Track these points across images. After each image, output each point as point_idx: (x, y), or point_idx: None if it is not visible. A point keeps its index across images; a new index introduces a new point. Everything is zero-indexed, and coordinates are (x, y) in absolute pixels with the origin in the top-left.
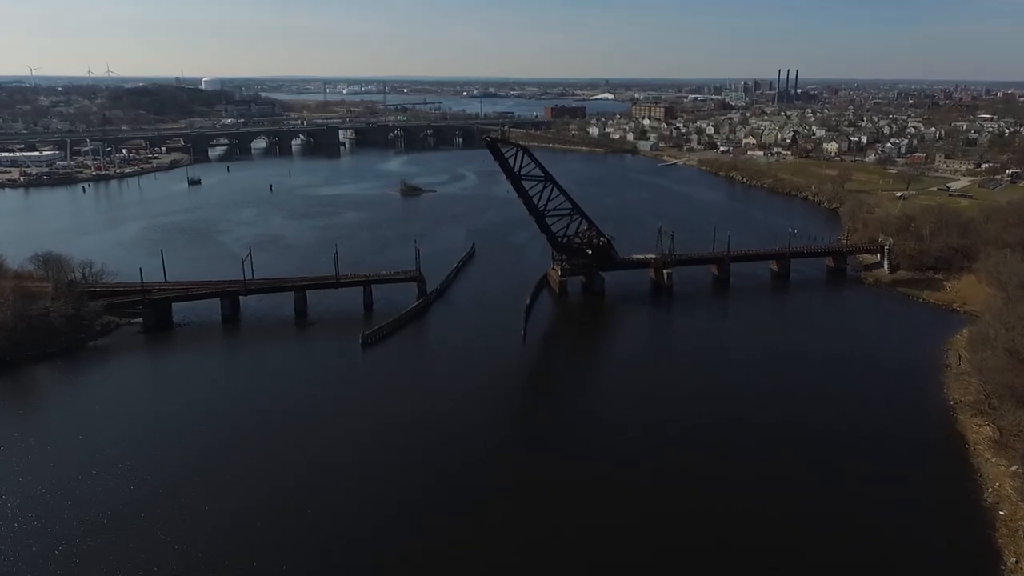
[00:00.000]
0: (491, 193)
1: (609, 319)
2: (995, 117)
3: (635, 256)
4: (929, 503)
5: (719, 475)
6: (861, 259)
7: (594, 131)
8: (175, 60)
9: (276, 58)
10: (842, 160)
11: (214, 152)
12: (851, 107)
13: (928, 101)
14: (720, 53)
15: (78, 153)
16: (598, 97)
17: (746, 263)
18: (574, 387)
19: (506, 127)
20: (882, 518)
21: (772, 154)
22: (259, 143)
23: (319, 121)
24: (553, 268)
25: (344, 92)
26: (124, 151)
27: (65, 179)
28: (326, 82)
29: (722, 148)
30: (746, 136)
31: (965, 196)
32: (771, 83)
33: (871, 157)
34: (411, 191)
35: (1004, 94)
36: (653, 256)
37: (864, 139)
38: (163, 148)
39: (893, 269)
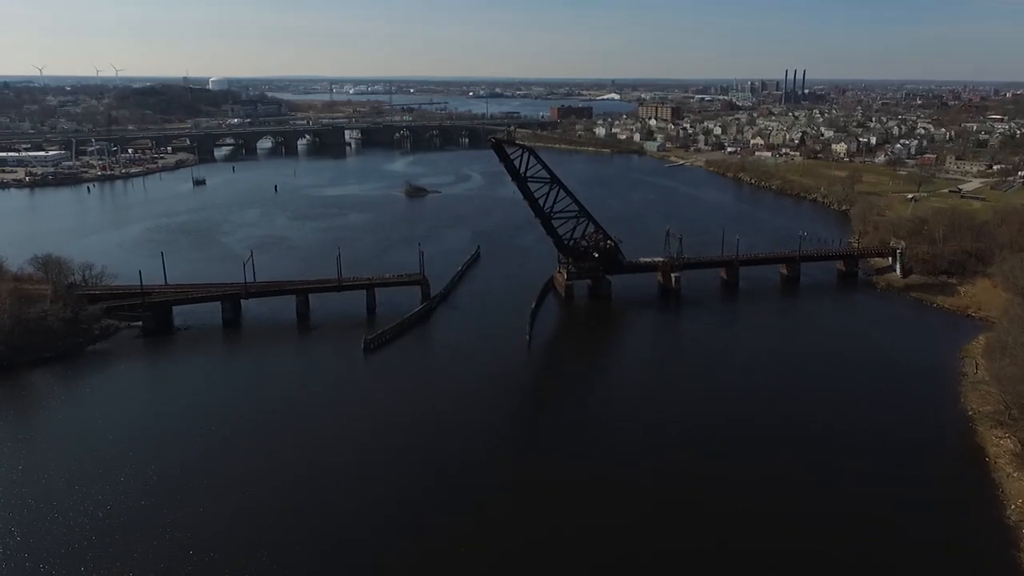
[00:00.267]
0: (496, 194)
1: (616, 324)
2: (1006, 118)
3: (642, 259)
4: (948, 520)
5: (719, 475)
6: (872, 263)
7: (600, 132)
8: (177, 61)
9: (277, 58)
10: (851, 161)
11: (220, 152)
12: (859, 108)
13: (936, 102)
14: (721, 53)
15: (84, 153)
16: (604, 97)
17: (755, 267)
18: (577, 390)
19: (512, 127)
20: (906, 538)
21: (780, 155)
22: (265, 143)
23: (325, 121)
24: (559, 271)
25: (351, 92)
26: (130, 151)
27: (70, 179)
28: (333, 82)
29: (729, 149)
30: (754, 137)
31: (978, 198)
32: (778, 83)
33: (880, 158)
34: (416, 192)
35: (1014, 95)
36: (661, 259)
37: (873, 140)
38: (169, 148)
39: (905, 273)
